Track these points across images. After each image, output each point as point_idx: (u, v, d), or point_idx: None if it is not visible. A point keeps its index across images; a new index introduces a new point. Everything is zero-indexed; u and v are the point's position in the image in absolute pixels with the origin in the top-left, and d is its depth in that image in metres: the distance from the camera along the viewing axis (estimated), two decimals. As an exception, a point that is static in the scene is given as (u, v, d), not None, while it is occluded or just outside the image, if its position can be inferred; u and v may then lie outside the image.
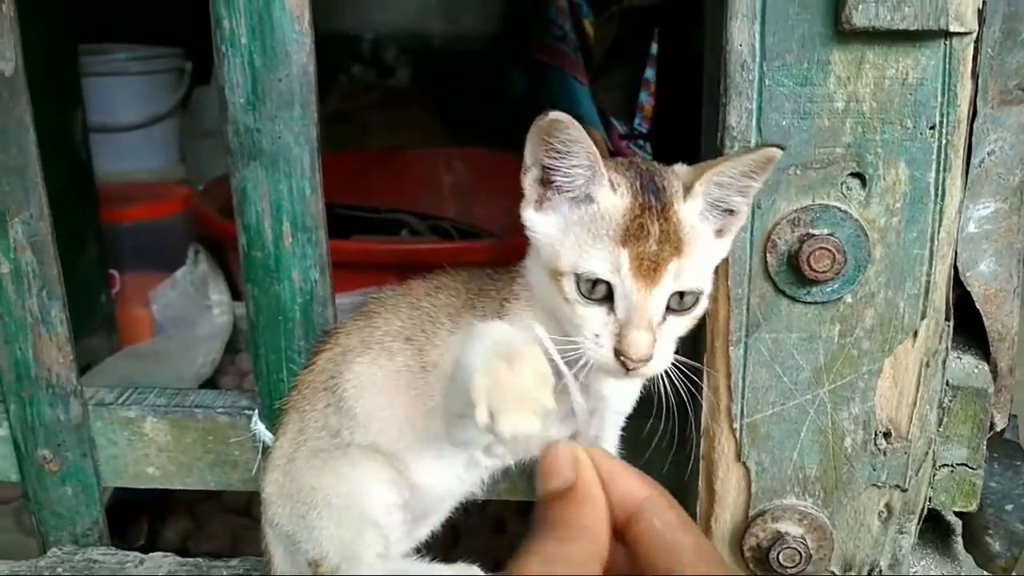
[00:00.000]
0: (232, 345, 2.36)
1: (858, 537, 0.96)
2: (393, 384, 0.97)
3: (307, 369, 1.06)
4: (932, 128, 0.84)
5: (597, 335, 0.79)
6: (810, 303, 0.89)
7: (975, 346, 0.96)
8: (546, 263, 0.83)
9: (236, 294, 2.42)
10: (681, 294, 0.80)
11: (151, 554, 1.21)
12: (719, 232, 0.84)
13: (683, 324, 0.81)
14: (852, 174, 0.86)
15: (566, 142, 0.80)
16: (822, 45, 0.83)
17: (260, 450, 1.15)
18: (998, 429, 0.97)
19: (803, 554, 0.94)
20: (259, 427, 1.15)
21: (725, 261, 0.89)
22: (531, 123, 0.82)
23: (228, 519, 1.73)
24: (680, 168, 0.85)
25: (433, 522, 1.06)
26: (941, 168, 0.85)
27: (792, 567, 0.94)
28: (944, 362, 0.91)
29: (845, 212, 0.86)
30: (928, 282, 0.88)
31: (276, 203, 1.06)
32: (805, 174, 0.86)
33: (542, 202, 0.84)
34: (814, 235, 0.86)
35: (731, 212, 0.83)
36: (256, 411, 1.15)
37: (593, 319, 0.79)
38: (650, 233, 0.78)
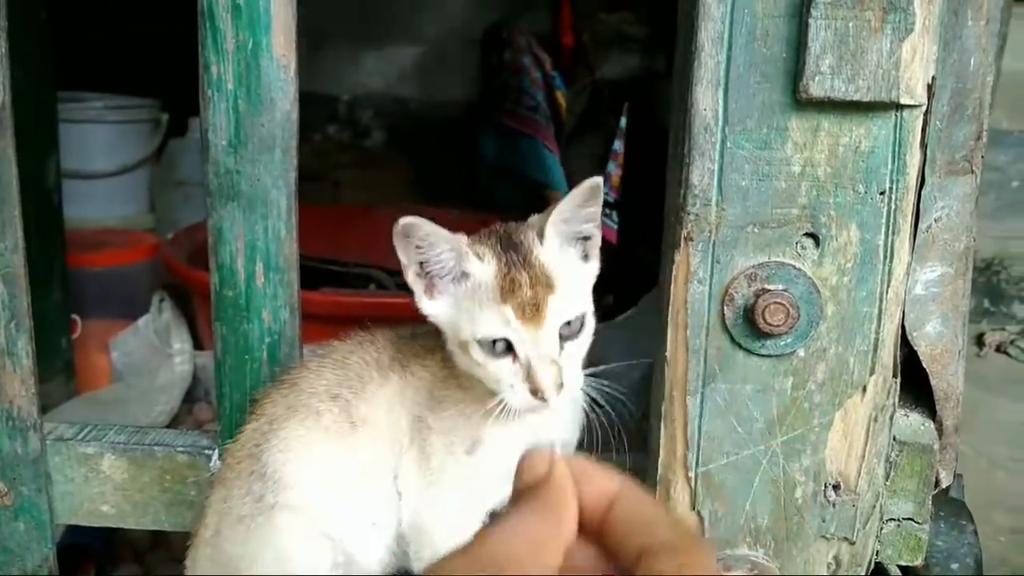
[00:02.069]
0: (191, 395, 2.34)
1: (808, 589, 0.98)
2: (321, 442, 0.99)
3: (234, 440, 1.06)
4: (882, 193, 0.89)
5: (512, 385, 0.90)
6: (765, 356, 0.93)
7: (922, 404, 1.00)
8: (453, 339, 0.95)
9: (199, 343, 2.41)
10: (568, 322, 0.91)
11: (100, 593, 1.20)
12: (585, 257, 0.96)
13: (580, 344, 0.93)
14: (807, 234, 0.90)
15: (424, 238, 0.92)
16: (781, 112, 0.88)
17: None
18: (943, 486, 1.00)
19: (755, 605, 0.96)
20: (218, 466, 1.15)
21: (684, 312, 0.93)
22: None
23: (177, 568, 1.70)
24: (533, 218, 0.96)
25: None
26: (890, 231, 0.90)
27: (744, 617, 0.96)
28: (892, 417, 0.95)
29: (799, 270, 0.90)
30: (877, 339, 0.92)
31: (251, 243, 1.08)
32: (762, 232, 0.90)
33: (430, 291, 0.95)
34: (769, 290, 0.90)
35: (587, 238, 0.96)
36: (216, 451, 1.16)
37: (505, 370, 0.90)
38: (521, 284, 0.89)
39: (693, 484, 0.97)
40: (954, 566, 1.07)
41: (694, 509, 0.97)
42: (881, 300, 0.91)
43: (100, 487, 1.19)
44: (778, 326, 0.90)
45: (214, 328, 1.12)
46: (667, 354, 0.95)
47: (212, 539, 1.02)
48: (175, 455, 1.18)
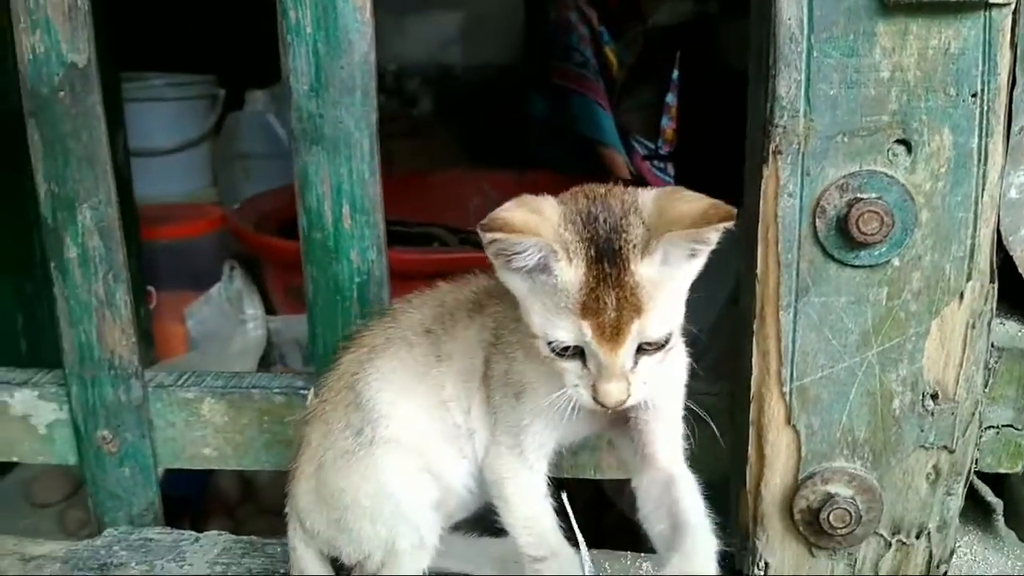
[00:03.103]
0: (266, 359, 2.40)
1: (906, 499, 0.98)
2: (412, 374, 1.00)
3: (331, 370, 1.08)
4: (974, 96, 0.88)
5: (576, 384, 0.84)
6: (858, 267, 0.93)
7: (1019, 311, 0.99)
8: (524, 321, 0.87)
9: (270, 309, 2.46)
10: (650, 342, 0.83)
11: (205, 533, 1.24)
12: (692, 254, 0.83)
13: (658, 359, 0.85)
14: (898, 140, 0.90)
15: (508, 247, 0.82)
16: (868, 17, 0.88)
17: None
18: (1042, 393, 0.99)
19: (853, 515, 0.96)
20: (314, 402, 1.18)
21: (775, 227, 0.93)
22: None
23: (267, 520, 1.76)
24: (647, 202, 0.84)
25: (468, 510, 1.08)
26: (983, 134, 0.89)
27: (842, 527, 0.96)
28: (989, 324, 0.94)
29: (892, 177, 0.90)
30: (973, 245, 0.91)
31: (336, 186, 1.10)
32: (852, 141, 0.90)
33: (508, 266, 0.87)
34: (862, 199, 0.89)
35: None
36: (312, 389, 1.19)
37: (570, 371, 0.85)
38: (607, 304, 0.80)
39: (788, 399, 0.97)
40: (1053, 478, 1.06)
41: (789, 424, 0.98)
42: (976, 204, 0.90)
43: (201, 431, 1.23)
44: (872, 235, 0.89)
45: (305, 271, 1.15)
46: (758, 271, 0.95)
47: (315, 473, 1.04)
48: (272, 396, 1.21)
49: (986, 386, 0.96)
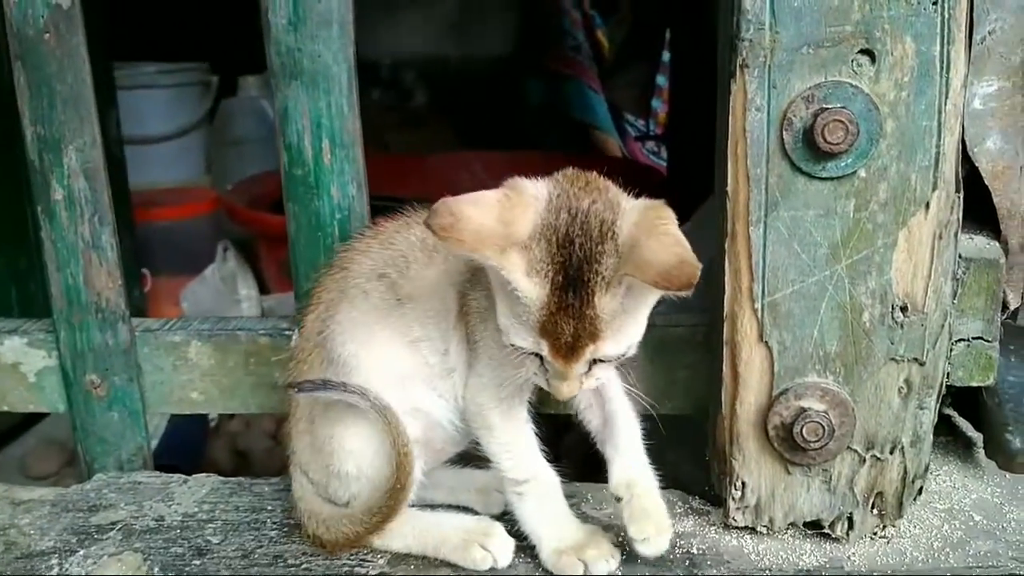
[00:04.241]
0: (260, 338, 2.40)
1: (879, 413, 0.99)
2: (372, 320, 1.02)
3: (299, 333, 1.11)
4: (935, 3, 0.89)
5: (535, 373, 0.90)
6: (825, 179, 0.94)
7: (987, 228, 1.00)
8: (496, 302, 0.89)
9: (264, 289, 2.48)
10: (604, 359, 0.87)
11: (194, 475, 1.26)
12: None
13: (611, 366, 0.90)
14: (862, 51, 0.91)
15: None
16: (829, -73, 0.89)
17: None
18: (1012, 308, 1.00)
19: (826, 428, 0.97)
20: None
21: (744, 142, 0.95)
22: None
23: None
24: (626, 225, 0.84)
25: (458, 444, 1.10)
26: (945, 42, 0.90)
27: (816, 441, 0.97)
28: (956, 234, 0.95)
29: (856, 87, 0.91)
30: (938, 154, 0.92)
31: (316, 120, 1.12)
32: (817, 53, 0.91)
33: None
34: (827, 109, 0.91)
35: None
36: (296, 330, 1.20)
37: (529, 365, 0.89)
38: (564, 331, 0.82)
39: (760, 315, 0.98)
40: (1027, 397, 1.07)
41: (762, 340, 0.99)
42: (940, 113, 0.92)
43: (188, 374, 1.25)
44: (838, 144, 0.91)
45: (286, 208, 1.16)
46: (728, 188, 0.96)
47: (309, 427, 1.07)
48: (258, 338, 1.23)
49: (955, 297, 0.97)
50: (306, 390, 1.01)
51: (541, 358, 0.87)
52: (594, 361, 0.86)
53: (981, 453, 1.19)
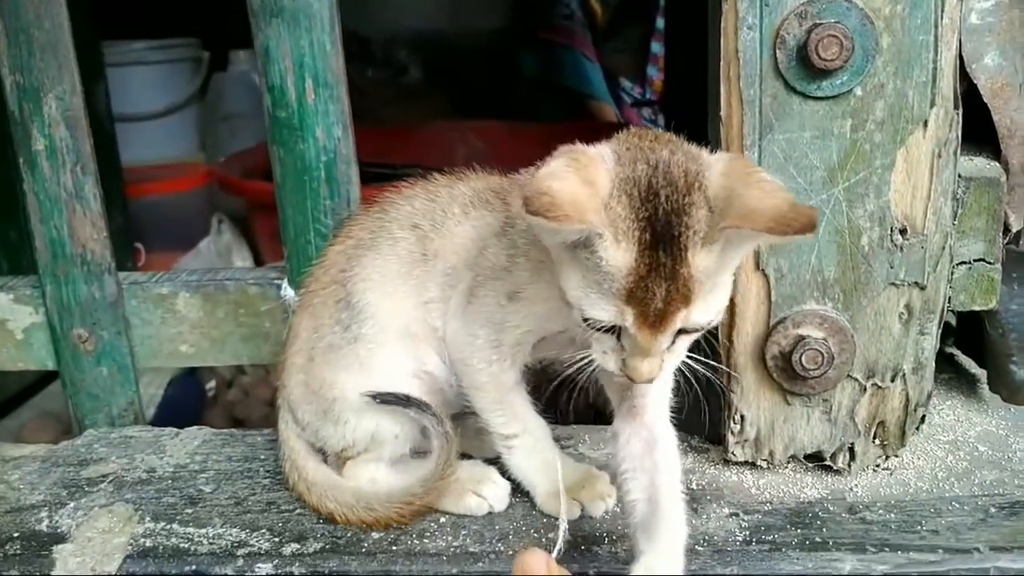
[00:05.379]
0: (256, 309, 2.38)
1: (879, 340, 0.97)
2: (396, 272, 0.99)
3: (319, 263, 1.07)
4: (930, -87, 0.87)
5: (604, 353, 0.80)
6: (821, 99, 0.92)
7: (987, 149, 0.98)
8: (558, 277, 0.80)
9: (259, 261, 2.46)
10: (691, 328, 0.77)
11: (186, 428, 1.24)
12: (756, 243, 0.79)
13: (695, 336, 0.79)
14: (855, -37, 0.89)
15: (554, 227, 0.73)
16: None
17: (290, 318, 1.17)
18: (1014, 230, 0.98)
19: (825, 356, 0.95)
20: (288, 292, 1.18)
21: (736, 63, 0.92)
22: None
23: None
24: (714, 176, 0.75)
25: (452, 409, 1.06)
26: (940, -48, 0.88)
27: (815, 369, 0.95)
28: (956, 152, 0.93)
29: (850, 2, 0.89)
30: (935, 69, 0.90)
31: (298, 60, 1.10)
32: (809, -33, 0.89)
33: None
34: (821, 24, 0.88)
35: None
36: (285, 278, 1.18)
37: (602, 341, 0.79)
38: (655, 295, 0.73)
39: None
40: (1031, 325, 1.05)
41: (759, 268, 0.97)
42: (936, 27, 0.89)
43: (177, 327, 1.23)
44: (832, 60, 0.88)
45: (271, 152, 1.14)
46: (721, 112, 0.94)
47: (306, 365, 1.03)
48: (246, 287, 1.21)
49: (955, 218, 0.95)
50: (388, 402, 0.97)
51: (618, 334, 0.78)
52: (679, 332, 0.77)
53: (985, 389, 1.17)
